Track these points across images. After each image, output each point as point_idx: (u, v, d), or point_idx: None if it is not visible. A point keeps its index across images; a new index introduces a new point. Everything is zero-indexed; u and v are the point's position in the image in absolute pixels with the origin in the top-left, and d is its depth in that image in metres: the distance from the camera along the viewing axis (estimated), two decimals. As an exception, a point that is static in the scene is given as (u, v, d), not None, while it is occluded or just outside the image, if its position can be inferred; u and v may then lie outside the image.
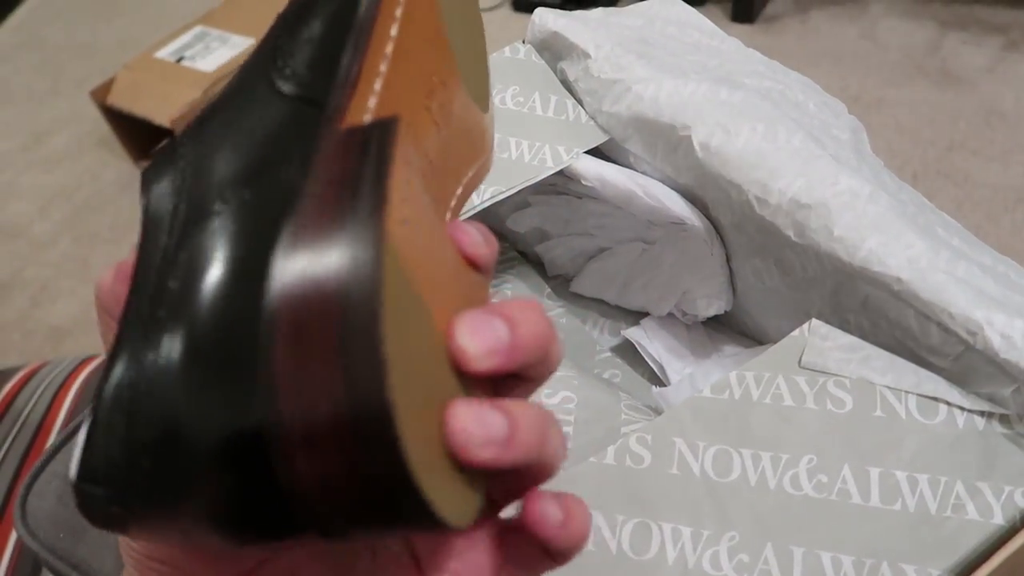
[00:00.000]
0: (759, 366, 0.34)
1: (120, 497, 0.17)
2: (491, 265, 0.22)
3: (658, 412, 0.43)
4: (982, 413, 0.32)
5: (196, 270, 0.18)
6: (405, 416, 0.15)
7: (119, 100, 1.35)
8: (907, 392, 0.33)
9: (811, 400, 0.33)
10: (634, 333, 0.50)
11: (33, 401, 0.54)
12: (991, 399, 0.32)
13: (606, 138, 0.47)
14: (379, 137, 0.18)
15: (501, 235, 0.58)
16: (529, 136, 0.47)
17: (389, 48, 0.22)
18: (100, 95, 1.36)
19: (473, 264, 0.22)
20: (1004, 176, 1.09)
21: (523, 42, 0.52)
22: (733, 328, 0.51)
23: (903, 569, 0.29)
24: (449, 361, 0.18)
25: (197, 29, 1.45)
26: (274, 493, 0.16)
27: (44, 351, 1.15)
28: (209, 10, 1.52)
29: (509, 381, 0.21)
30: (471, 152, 0.27)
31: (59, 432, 0.52)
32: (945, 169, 1.12)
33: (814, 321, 0.35)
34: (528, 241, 0.57)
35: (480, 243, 0.22)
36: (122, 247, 1.31)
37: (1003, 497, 0.30)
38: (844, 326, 0.37)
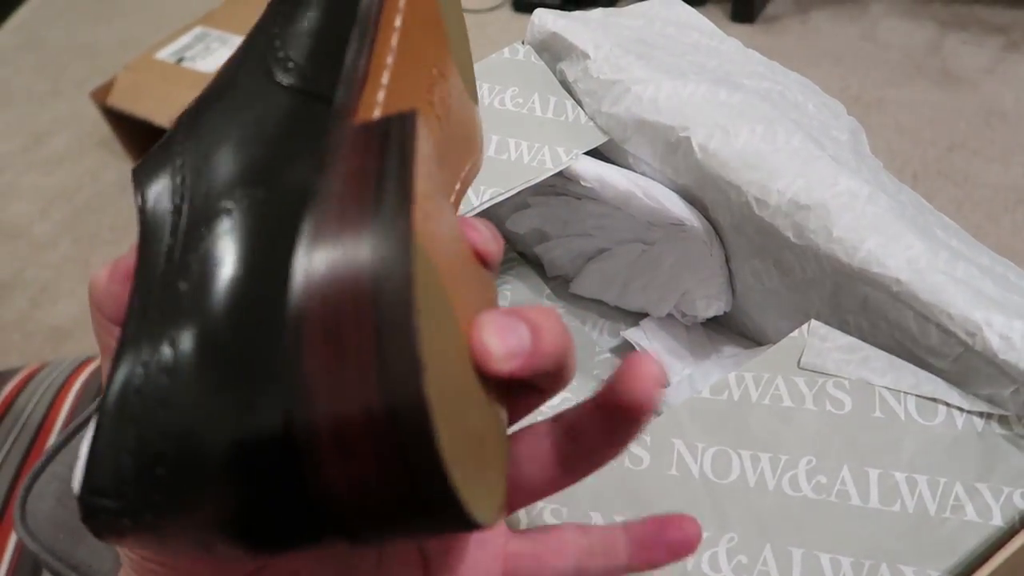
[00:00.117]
0: (758, 367, 0.34)
1: (131, 510, 0.16)
2: (498, 263, 0.22)
3: (657, 413, 0.43)
4: (981, 414, 0.32)
5: (209, 271, 0.17)
6: (439, 413, 0.15)
7: (119, 101, 1.35)
8: (906, 393, 0.33)
9: (810, 401, 0.33)
10: (633, 334, 0.50)
11: (33, 402, 0.54)
12: (990, 400, 0.32)
13: (605, 139, 0.47)
14: (399, 132, 0.18)
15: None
16: (528, 137, 0.47)
17: (395, 40, 0.22)
18: (100, 96, 1.36)
19: (482, 261, 0.21)
20: (1004, 176, 1.09)
21: (523, 43, 0.52)
22: (732, 329, 0.51)
23: (902, 570, 0.29)
24: (470, 360, 0.18)
25: (197, 30, 1.45)
26: (300, 499, 0.16)
27: (44, 352, 1.15)
28: (209, 11, 1.52)
29: (521, 390, 0.21)
30: (467, 146, 0.26)
31: (59, 433, 0.52)
32: (945, 169, 1.12)
33: (813, 322, 0.35)
34: (527, 242, 0.57)
35: (490, 240, 0.22)
36: (122, 248, 1.31)
37: (1002, 498, 0.30)
38: (843, 327, 0.37)
